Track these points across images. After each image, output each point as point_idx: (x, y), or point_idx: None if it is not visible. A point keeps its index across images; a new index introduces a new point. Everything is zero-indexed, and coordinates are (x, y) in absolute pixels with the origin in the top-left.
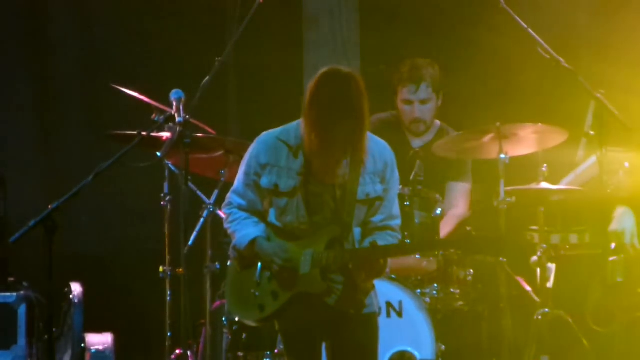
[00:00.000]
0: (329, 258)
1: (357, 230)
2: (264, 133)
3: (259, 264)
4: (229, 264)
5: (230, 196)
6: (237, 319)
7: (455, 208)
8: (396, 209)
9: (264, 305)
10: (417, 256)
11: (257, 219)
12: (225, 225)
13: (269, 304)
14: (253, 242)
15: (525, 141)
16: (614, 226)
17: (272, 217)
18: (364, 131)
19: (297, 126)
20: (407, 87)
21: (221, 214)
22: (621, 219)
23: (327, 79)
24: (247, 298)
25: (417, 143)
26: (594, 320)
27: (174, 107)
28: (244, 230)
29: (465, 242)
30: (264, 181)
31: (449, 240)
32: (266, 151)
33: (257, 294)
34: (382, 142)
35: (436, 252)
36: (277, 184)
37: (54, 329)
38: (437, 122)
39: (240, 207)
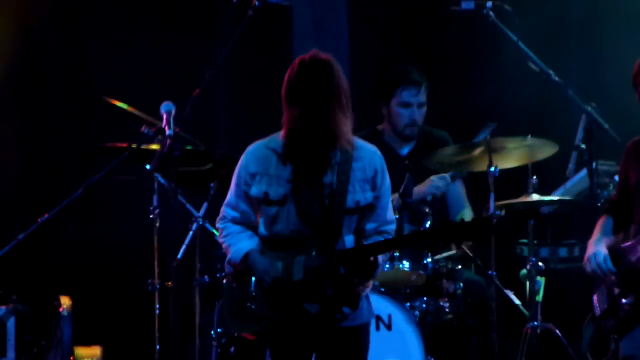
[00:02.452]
0: (320, 262)
1: (349, 238)
2: (253, 144)
3: (253, 278)
4: (224, 280)
5: (223, 210)
6: (235, 334)
7: (466, 209)
8: (390, 215)
9: (260, 317)
10: (406, 269)
11: (251, 232)
12: (220, 240)
13: (265, 315)
14: (246, 256)
15: (515, 154)
16: None
17: (262, 227)
18: (346, 113)
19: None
20: (409, 89)
21: (210, 227)
22: None
23: (306, 65)
24: (243, 312)
25: (403, 150)
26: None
27: (164, 120)
28: (238, 244)
29: (451, 230)
30: (254, 190)
31: (435, 230)
32: (255, 160)
33: (253, 307)
34: (372, 148)
35: (425, 265)
36: (267, 192)
37: (43, 342)
38: None
39: (234, 220)
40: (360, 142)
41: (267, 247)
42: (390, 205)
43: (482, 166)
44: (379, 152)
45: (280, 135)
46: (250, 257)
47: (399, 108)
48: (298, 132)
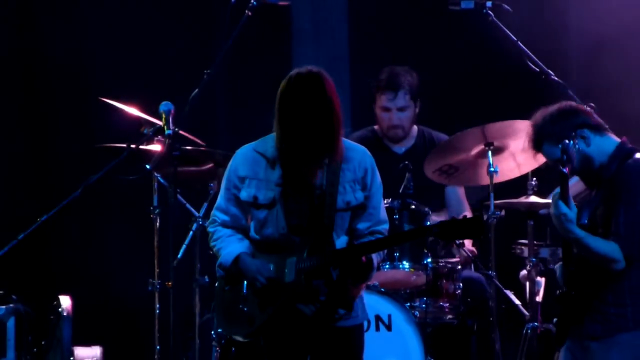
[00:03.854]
0: (312, 263)
1: (341, 239)
2: (242, 147)
3: (245, 281)
4: (216, 283)
5: (213, 213)
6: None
7: (464, 212)
8: (383, 214)
9: (252, 319)
10: (406, 269)
11: (241, 236)
12: (210, 244)
13: (257, 316)
14: (237, 259)
15: (514, 154)
16: None
17: (252, 231)
18: (337, 129)
19: (274, 137)
20: (385, 94)
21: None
22: None
23: (297, 80)
24: (235, 314)
25: (399, 149)
26: None
27: (163, 120)
28: (228, 247)
29: (443, 227)
30: (243, 194)
31: (427, 228)
32: (244, 164)
33: (245, 309)
34: (361, 148)
35: (425, 265)
36: (256, 196)
37: (42, 342)
38: (415, 127)
39: (224, 224)
40: (349, 144)
41: (258, 251)
42: (382, 205)
43: (482, 166)
44: (368, 153)
45: (270, 139)
46: (241, 259)
47: (380, 112)
48: (288, 143)
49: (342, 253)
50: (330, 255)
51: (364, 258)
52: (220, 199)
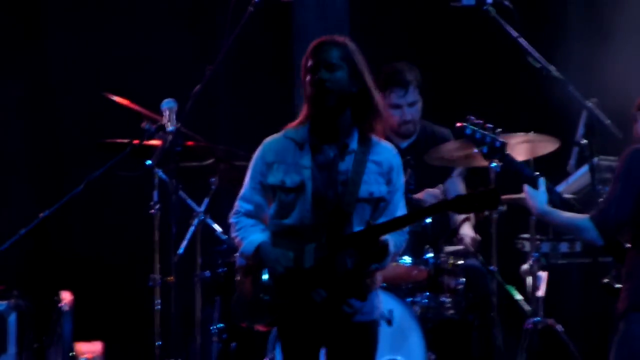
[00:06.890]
0: (330, 247)
1: (359, 229)
2: (269, 137)
3: (266, 269)
4: (237, 277)
5: (237, 204)
6: (243, 326)
7: None
8: (401, 213)
9: (275, 307)
10: (407, 264)
11: (263, 226)
12: (233, 234)
13: (279, 305)
14: (258, 248)
15: (517, 150)
16: None
17: (275, 216)
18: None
19: (305, 125)
20: (395, 91)
21: (211, 222)
22: None
23: (321, 42)
24: (257, 303)
25: (403, 144)
26: None
27: (166, 117)
28: (250, 236)
29: (458, 202)
30: (271, 179)
31: (443, 203)
32: (272, 151)
33: (266, 297)
34: (390, 147)
35: (426, 260)
36: (283, 180)
37: (43, 338)
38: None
39: (247, 214)
40: (378, 139)
41: (278, 237)
42: (402, 204)
43: (483, 161)
44: (396, 151)
45: (295, 124)
46: (262, 248)
47: (390, 109)
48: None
49: (360, 235)
50: (349, 239)
51: (381, 240)
52: (245, 189)
